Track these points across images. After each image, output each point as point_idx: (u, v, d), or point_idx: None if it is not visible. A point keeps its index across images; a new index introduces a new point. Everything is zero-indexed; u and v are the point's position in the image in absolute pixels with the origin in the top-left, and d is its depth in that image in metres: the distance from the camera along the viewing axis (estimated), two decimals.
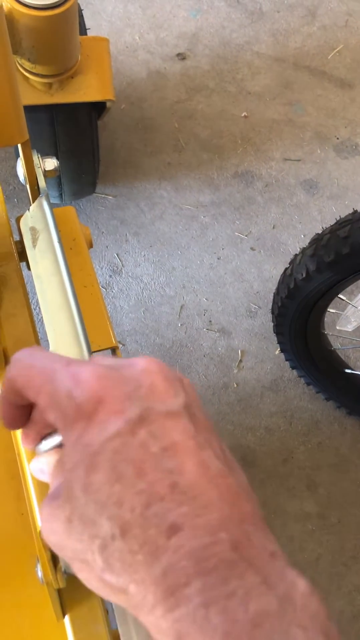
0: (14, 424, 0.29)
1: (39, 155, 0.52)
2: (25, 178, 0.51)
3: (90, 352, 0.45)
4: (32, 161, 0.50)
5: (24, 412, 0.29)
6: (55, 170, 0.52)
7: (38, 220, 0.50)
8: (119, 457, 0.24)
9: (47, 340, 0.50)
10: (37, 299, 0.50)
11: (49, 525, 0.25)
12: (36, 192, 0.52)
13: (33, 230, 0.50)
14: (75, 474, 0.24)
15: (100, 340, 0.52)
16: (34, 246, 0.49)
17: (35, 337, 0.60)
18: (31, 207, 0.51)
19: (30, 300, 0.62)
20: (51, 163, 0.51)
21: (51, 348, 0.45)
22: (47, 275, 0.47)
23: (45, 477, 0.29)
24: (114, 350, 0.54)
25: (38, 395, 0.26)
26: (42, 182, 0.51)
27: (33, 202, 0.52)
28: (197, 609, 0.21)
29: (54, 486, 0.25)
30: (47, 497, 0.26)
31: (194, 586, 0.21)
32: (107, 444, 0.24)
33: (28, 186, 0.52)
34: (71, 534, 0.24)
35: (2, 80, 0.41)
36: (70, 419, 0.25)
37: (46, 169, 0.51)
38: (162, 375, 0.26)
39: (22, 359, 0.27)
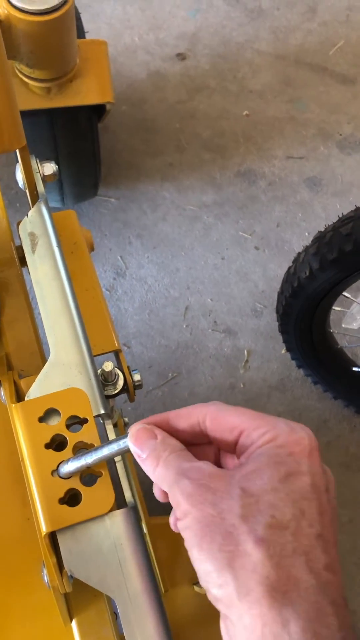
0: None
1: (37, 160, 0.52)
2: (24, 183, 0.51)
3: (92, 356, 0.44)
4: (31, 166, 0.50)
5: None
6: (54, 174, 0.51)
7: (37, 226, 0.50)
8: (313, 492, 0.31)
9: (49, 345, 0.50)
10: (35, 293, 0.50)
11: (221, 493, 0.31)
12: (35, 197, 0.52)
13: (32, 235, 0.49)
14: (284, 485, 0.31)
15: (103, 343, 0.52)
16: (33, 252, 0.49)
17: (38, 342, 0.60)
18: (30, 213, 0.51)
19: (32, 305, 0.62)
20: (50, 168, 0.51)
21: (52, 353, 0.45)
22: (46, 280, 0.47)
23: (145, 450, 0.35)
24: (116, 354, 0.54)
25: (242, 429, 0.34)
26: (40, 187, 0.51)
27: (32, 207, 0.52)
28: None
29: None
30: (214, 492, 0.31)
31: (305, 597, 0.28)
32: (309, 483, 0.31)
33: (27, 191, 0.51)
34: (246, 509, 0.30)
35: None
36: (282, 447, 0.32)
37: (45, 174, 0.51)
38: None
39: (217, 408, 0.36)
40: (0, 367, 0.57)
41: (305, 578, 0.28)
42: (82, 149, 1.17)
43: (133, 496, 0.47)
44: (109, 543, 0.42)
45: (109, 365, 0.47)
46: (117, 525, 0.43)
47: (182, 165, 1.50)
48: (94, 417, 0.44)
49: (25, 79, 0.99)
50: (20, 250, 0.61)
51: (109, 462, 0.43)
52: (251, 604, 0.27)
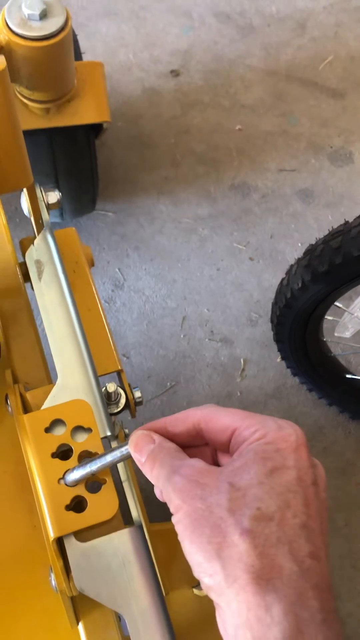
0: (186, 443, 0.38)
1: (42, 189, 0.55)
2: (29, 212, 0.54)
3: (97, 380, 0.47)
4: (37, 199, 0.53)
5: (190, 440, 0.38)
6: (58, 202, 0.54)
7: (43, 253, 0.53)
8: (300, 484, 0.33)
9: (53, 359, 0.52)
10: (42, 319, 0.53)
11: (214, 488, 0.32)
12: (40, 226, 0.55)
13: (38, 263, 0.53)
14: (263, 468, 0.33)
15: (106, 364, 0.54)
16: (40, 279, 0.52)
17: (42, 355, 0.63)
18: (35, 241, 0.54)
19: (34, 314, 0.65)
20: (54, 196, 0.54)
21: (59, 378, 0.48)
22: (53, 307, 0.50)
23: (146, 449, 0.37)
24: (118, 374, 0.56)
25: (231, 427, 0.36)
26: (45, 216, 0.54)
27: (38, 234, 0.55)
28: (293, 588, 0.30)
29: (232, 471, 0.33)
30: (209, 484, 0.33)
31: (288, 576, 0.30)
32: (295, 476, 0.33)
33: (32, 219, 0.55)
34: (233, 498, 0.32)
35: (7, 131, 0.44)
36: (271, 438, 0.34)
37: (49, 202, 0.54)
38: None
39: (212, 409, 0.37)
40: (6, 380, 0.59)
41: (288, 565, 0.30)
42: (80, 165, 1.21)
43: (139, 516, 0.49)
44: (117, 561, 0.44)
45: (112, 386, 0.50)
46: (124, 543, 0.44)
47: (177, 179, 1.53)
48: (101, 439, 0.47)
49: (25, 101, 1.03)
50: (23, 266, 0.64)
51: (115, 480, 0.46)
52: (238, 591, 0.29)
